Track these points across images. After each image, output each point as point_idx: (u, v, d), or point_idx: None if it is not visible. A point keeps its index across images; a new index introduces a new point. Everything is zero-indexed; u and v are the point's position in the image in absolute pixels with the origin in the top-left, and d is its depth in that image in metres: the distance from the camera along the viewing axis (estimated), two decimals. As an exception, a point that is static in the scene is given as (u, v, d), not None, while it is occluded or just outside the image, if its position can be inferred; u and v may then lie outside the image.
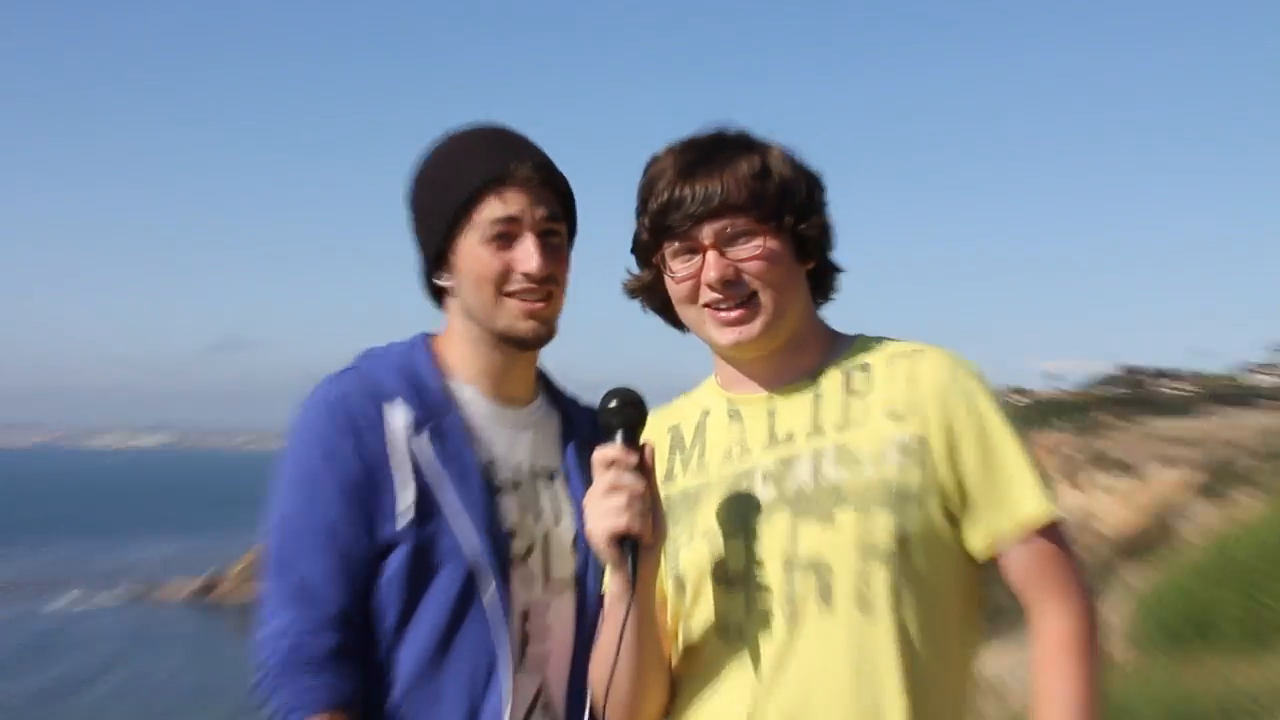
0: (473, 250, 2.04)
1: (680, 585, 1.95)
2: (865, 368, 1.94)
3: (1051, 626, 1.87)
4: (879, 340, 2.00)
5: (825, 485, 1.85)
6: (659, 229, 1.89)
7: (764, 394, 1.97)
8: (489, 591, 2.00)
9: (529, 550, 2.10)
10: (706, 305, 1.89)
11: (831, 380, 1.95)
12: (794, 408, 1.94)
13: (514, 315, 2.06)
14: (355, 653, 2.00)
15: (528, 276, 2.03)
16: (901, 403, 1.89)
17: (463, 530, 2.00)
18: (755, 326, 1.88)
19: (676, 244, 1.88)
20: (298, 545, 2.00)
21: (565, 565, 2.13)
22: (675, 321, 2.00)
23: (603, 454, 1.82)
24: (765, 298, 1.87)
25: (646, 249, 1.94)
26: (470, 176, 2.03)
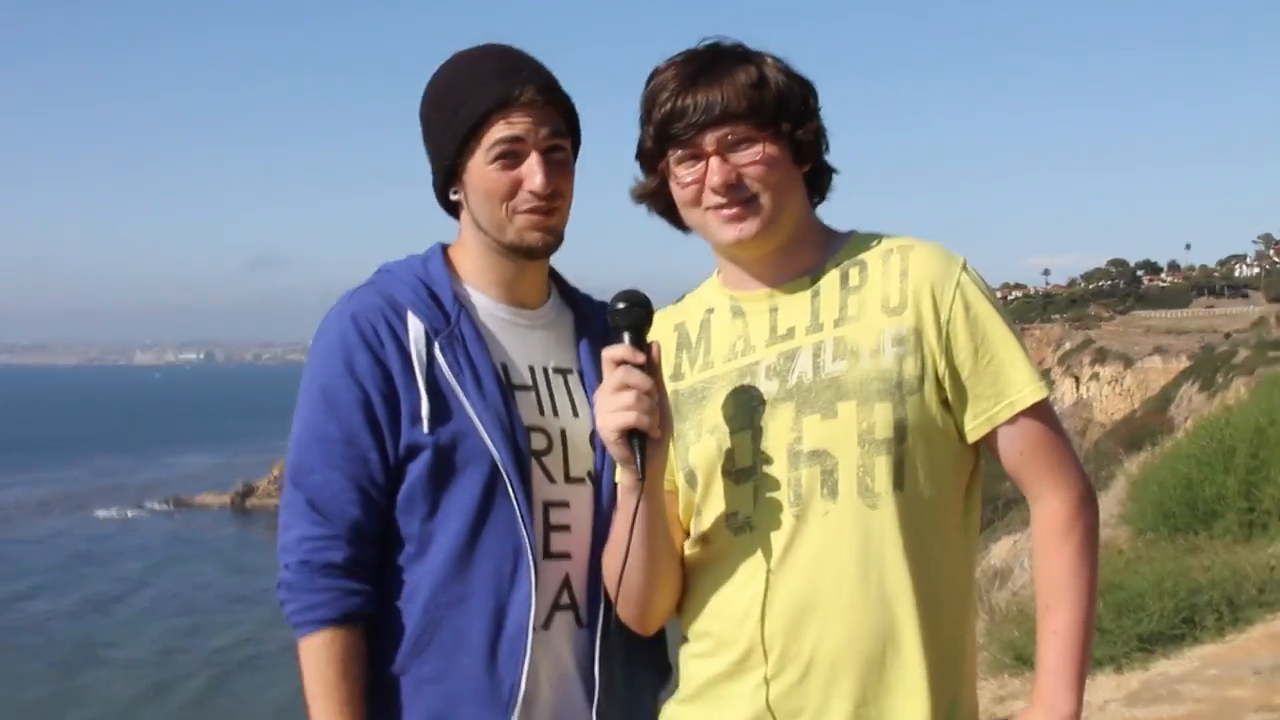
0: (481, 169, 2.11)
1: (691, 479, 2.00)
2: (860, 264, 1.99)
3: (1048, 509, 1.95)
4: (873, 236, 2.04)
5: (825, 378, 1.91)
6: (663, 137, 1.94)
7: (765, 291, 2.02)
8: (512, 488, 2.05)
9: (548, 446, 2.15)
10: (709, 208, 1.94)
11: (829, 277, 2.00)
12: (794, 304, 1.99)
13: (521, 228, 2.12)
14: (368, 565, 2.07)
15: (533, 194, 2.09)
16: (896, 296, 1.94)
17: (483, 430, 2.05)
18: (754, 224, 1.93)
19: (680, 151, 1.93)
20: (315, 456, 2.06)
21: (583, 460, 2.18)
22: (679, 223, 2.05)
23: (611, 353, 1.88)
24: (765, 199, 1.92)
25: (651, 156, 1.99)
26: (477, 100, 2.10)
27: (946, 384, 1.93)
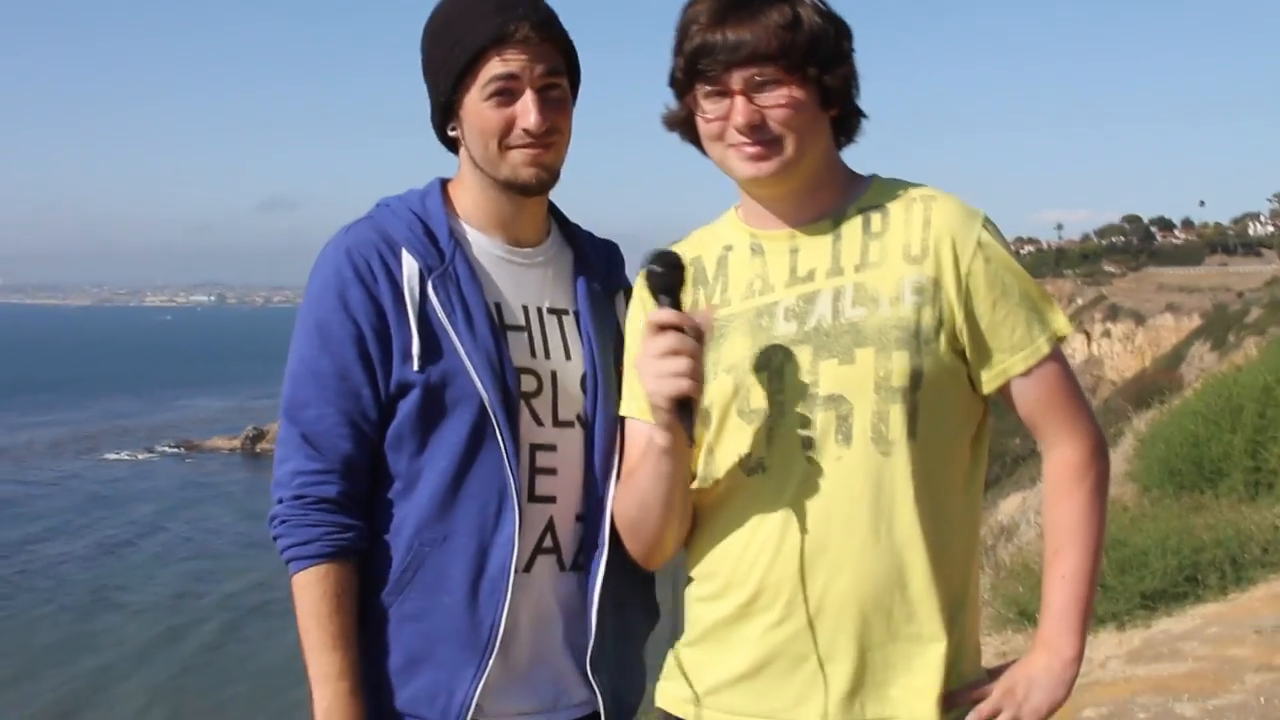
0: (476, 106, 2.11)
1: (705, 417, 1.98)
2: (882, 210, 1.99)
3: (1062, 455, 1.97)
4: (895, 183, 2.04)
5: (844, 323, 1.91)
6: (692, 71, 1.93)
7: (786, 231, 2.01)
8: (500, 430, 2.05)
9: (538, 388, 2.14)
10: (731, 145, 1.94)
11: (851, 222, 1.99)
12: (815, 246, 1.99)
13: (516, 164, 2.12)
14: (359, 499, 2.08)
15: (527, 132, 2.09)
16: (917, 245, 1.94)
17: (472, 371, 2.05)
18: (773, 164, 1.92)
19: (708, 87, 1.93)
20: (308, 391, 2.07)
21: (573, 404, 2.17)
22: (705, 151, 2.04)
23: (657, 317, 1.86)
24: (788, 143, 1.92)
25: (681, 87, 1.99)
26: (473, 37, 2.09)
27: (963, 335, 1.94)
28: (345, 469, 2.07)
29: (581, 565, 2.17)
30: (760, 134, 1.92)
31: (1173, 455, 10.34)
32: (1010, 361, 1.95)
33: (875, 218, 1.99)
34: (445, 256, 2.12)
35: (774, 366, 1.94)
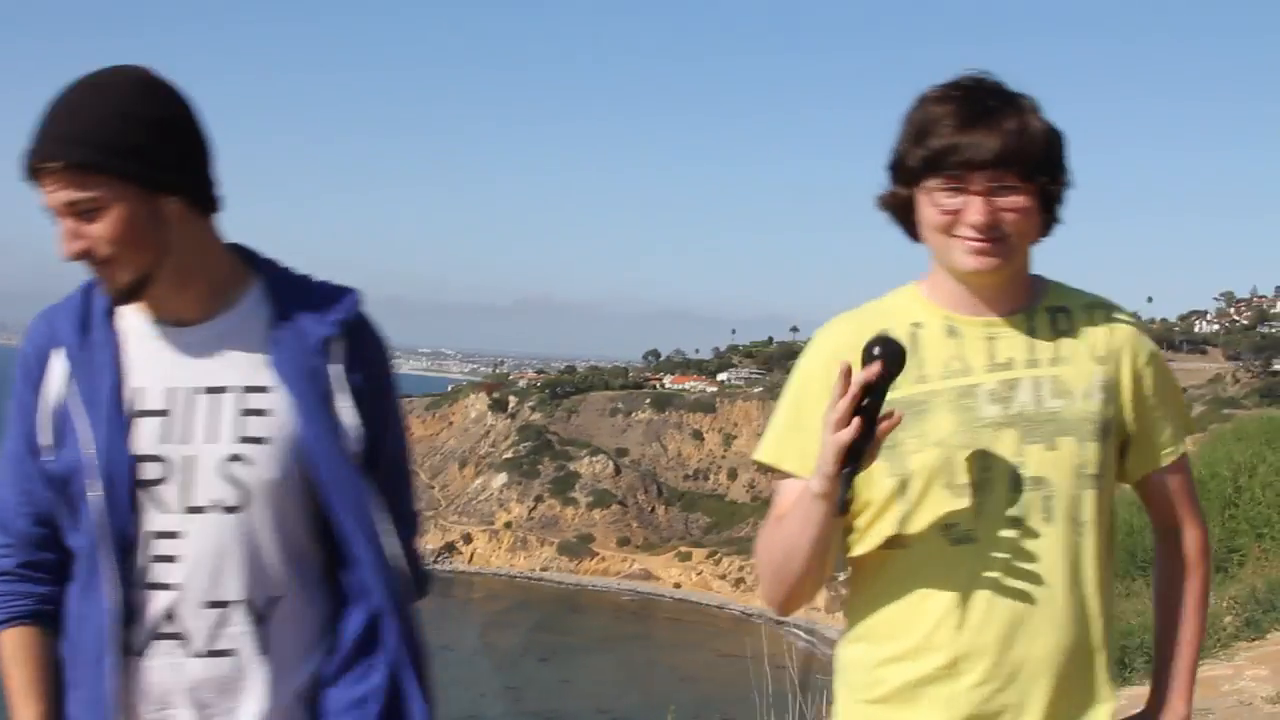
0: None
1: (904, 486, 2.07)
2: (1066, 311, 2.17)
3: (1189, 536, 2.22)
4: (1068, 287, 2.23)
5: (1046, 411, 2.07)
6: (935, 165, 2.04)
7: (984, 319, 2.14)
8: (105, 522, 2.03)
9: (164, 475, 2.05)
10: (960, 237, 2.05)
11: (1041, 318, 2.15)
12: (1011, 337, 2.12)
13: (99, 282, 2.06)
14: (47, 568, 2.11)
15: (80, 260, 2.02)
16: (1103, 347, 2.13)
17: (90, 461, 2.02)
18: (996, 261, 2.05)
19: (948, 183, 2.04)
20: (2, 468, 2.14)
21: (210, 488, 2.06)
22: (913, 233, 2.16)
23: (863, 378, 1.93)
24: (1014, 243, 2.06)
25: (911, 175, 2.08)
26: (26, 158, 1.99)
27: (1129, 431, 2.16)
28: (19, 545, 2.12)
29: (226, 651, 2.08)
30: (992, 233, 2.04)
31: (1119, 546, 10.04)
32: (1161, 455, 2.19)
33: (1061, 317, 2.17)
34: (87, 343, 2.10)
35: (980, 444, 2.07)
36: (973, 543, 2.05)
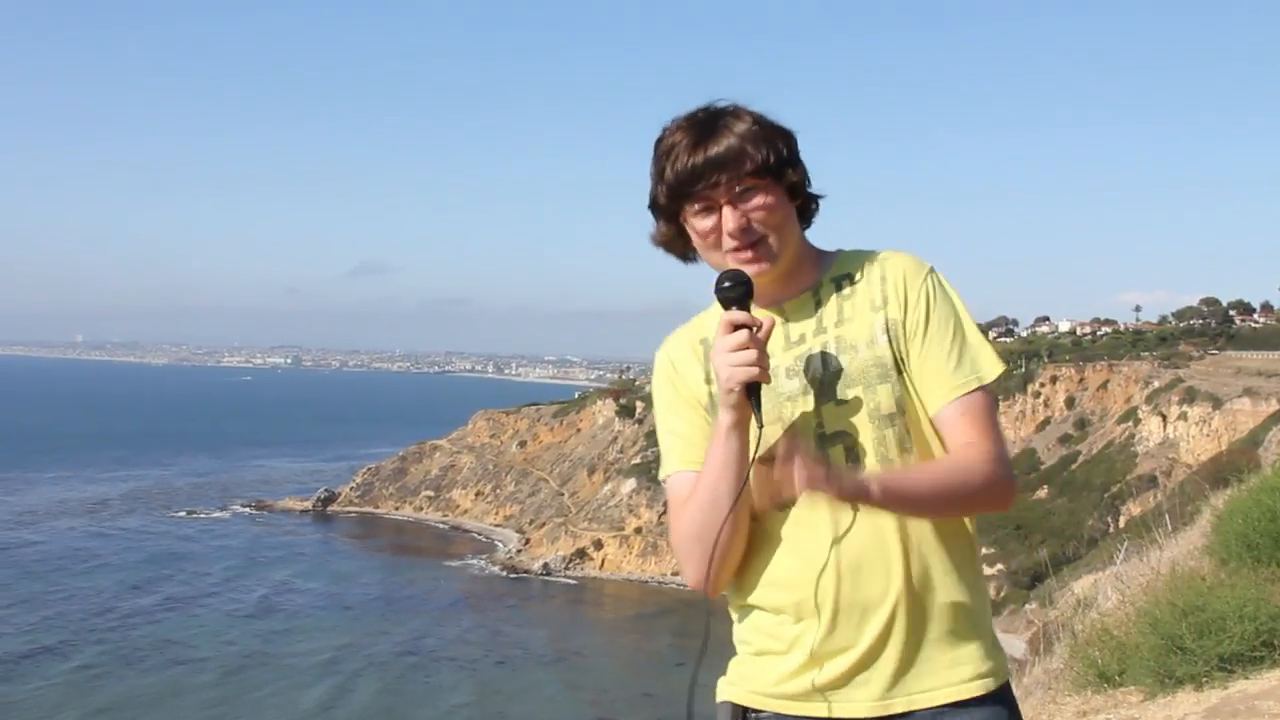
0: None
1: None
2: (849, 275, 2.29)
3: (980, 449, 2.16)
4: (857, 252, 2.34)
5: (833, 371, 2.20)
6: (679, 194, 2.21)
7: (777, 308, 2.28)
8: None
9: None
10: (728, 250, 2.21)
11: (826, 289, 2.29)
12: (801, 315, 2.28)
13: None
14: None
15: None
16: (878, 295, 2.24)
17: None
18: (766, 264, 2.21)
19: (697, 205, 2.21)
20: None
21: None
22: (690, 260, 2.33)
23: (732, 316, 2.13)
24: (772, 239, 2.21)
25: (667, 210, 2.25)
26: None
27: (913, 365, 2.22)
28: None
29: None
30: (749, 235, 2.20)
31: (1250, 530, 10.33)
32: (952, 387, 2.20)
33: (844, 282, 2.29)
34: None
35: (785, 418, 2.22)
36: (796, 506, 2.16)
